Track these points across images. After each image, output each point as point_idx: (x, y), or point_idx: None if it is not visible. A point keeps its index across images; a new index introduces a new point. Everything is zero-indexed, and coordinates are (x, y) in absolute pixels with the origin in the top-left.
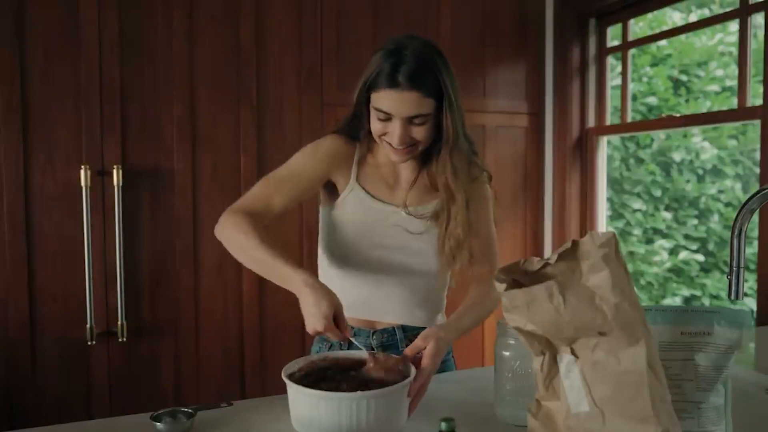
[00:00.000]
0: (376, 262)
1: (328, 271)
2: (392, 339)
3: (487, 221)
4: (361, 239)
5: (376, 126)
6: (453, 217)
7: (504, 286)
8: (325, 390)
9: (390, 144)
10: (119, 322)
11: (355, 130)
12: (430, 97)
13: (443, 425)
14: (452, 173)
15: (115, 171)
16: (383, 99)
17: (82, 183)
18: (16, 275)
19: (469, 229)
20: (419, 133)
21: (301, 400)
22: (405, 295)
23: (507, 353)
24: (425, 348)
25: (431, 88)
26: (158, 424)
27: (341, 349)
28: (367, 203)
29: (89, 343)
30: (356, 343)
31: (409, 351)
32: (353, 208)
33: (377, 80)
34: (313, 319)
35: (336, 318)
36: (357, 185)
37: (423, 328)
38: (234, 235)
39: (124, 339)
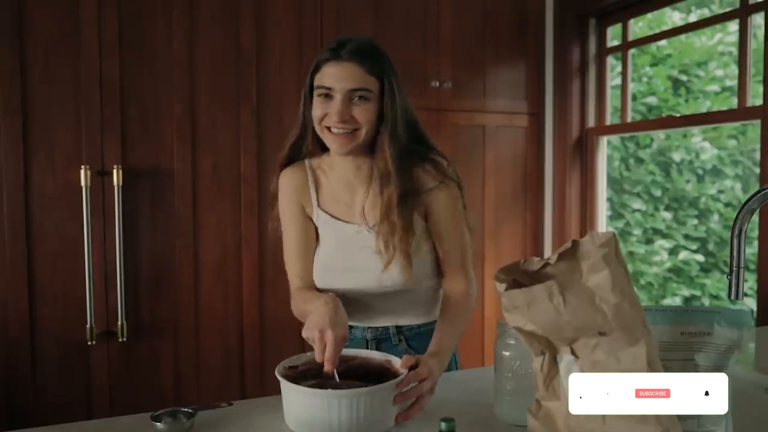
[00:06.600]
0: (352, 284)
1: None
2: (386, 333)
3: (454, 230)
4: (336, 263)
5: (316, 112)
6: (385, 201)
7: (504, 286)
8: (316, 387)
9: (329, 130)
10: (119, 322)
11: (300, 148)
12: (371, 76)
13: (443, 425)
14: (390, 158)
15: (115, 171)
16: (325, 74)
17: (82, 183)
18: (16, 275)
19: (404, 223)
20: (360, 113)
21: (294, 397)
22: (389, 307)
23: (507, 353)
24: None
25: (373, 69)
26: (158, 424)
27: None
28: (332, 225)
29: (89, 343)
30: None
31: (404, 363)
32: (323, 232)
33: (320, 60)
34: (312, 325)
35: (329, 342)
36: (319, 210)
37: (417, 326)
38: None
39: (124, 339)
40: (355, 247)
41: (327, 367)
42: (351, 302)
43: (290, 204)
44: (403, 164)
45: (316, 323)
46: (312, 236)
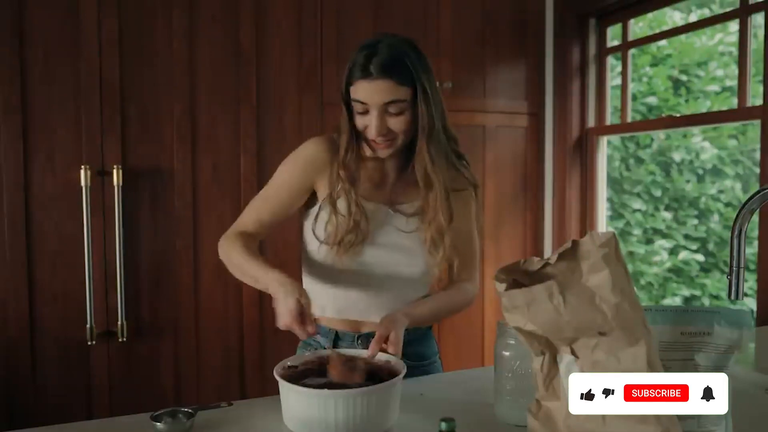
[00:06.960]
0: (365, 259)
1: (312, 270)
2: (368, 341)
3: (467, 234)
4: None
5: (357, 121)
6: (431, 205)
7: (504, 286)
8: (314, 387)
9: (371, 139)
10: (119, 322)
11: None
12: (403, 86)
13: (443, 425)
14: (430, 162)
15: (115, 171)
16: (358, 89)
17: (82, 183)
18: (16, 275)
19: (451, 220)
20: (396, 123)
21: (293, 397)
22: (390, 294)
23: (507, 353)
24: (388, 336)
25: (404, 77)
26: (158, 424)
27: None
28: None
29: (89, 343)
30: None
31: (376, 346)
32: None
33: (352, 73)
34: (280, 315)
35: (302, 314)
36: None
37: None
38: (227, 257)
39: (124, 339)
40: (375, 223)
41: (311, 330)
42: (345, 288)
43: (297, 174)
44: (442, 164)
45: (284, 313)
46: (293, 209)
